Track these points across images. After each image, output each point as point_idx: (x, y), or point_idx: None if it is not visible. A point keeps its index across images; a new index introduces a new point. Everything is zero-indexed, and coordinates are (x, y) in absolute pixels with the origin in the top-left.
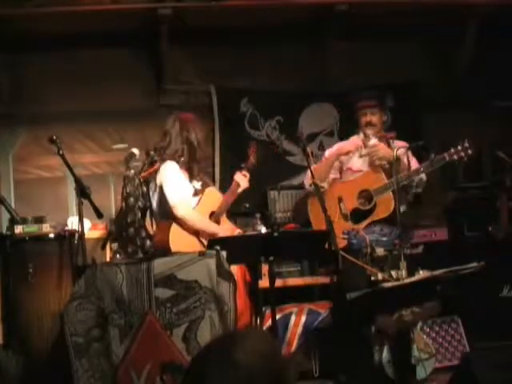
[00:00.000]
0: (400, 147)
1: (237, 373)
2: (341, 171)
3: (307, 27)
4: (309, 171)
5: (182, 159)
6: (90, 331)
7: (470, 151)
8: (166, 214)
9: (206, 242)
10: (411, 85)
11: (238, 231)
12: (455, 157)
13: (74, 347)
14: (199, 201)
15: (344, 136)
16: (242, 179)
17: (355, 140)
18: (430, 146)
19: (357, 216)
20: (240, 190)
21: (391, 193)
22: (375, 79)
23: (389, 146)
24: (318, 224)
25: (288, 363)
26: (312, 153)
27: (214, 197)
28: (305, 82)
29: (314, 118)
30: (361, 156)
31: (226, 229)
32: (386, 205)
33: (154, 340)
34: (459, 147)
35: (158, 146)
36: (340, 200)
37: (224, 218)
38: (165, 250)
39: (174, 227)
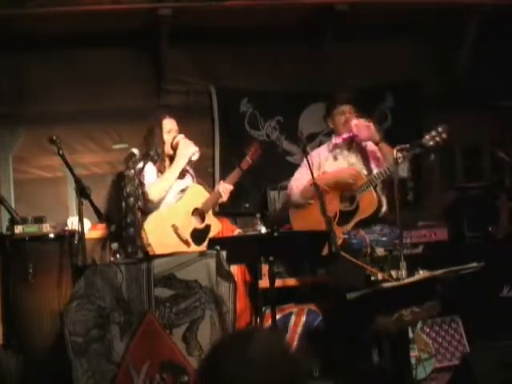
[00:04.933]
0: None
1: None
2: None
3: (307, 27)
4: (294, 180)
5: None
6: (89, 331)
7: (444, 136)
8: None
9: (184, 235)
10: (411, 85)
11: (237, 231)
12: (431, 143)
13: (74, 347)
14: (180, 197)
15: None
16: (225, 191)
17: (323, 150)
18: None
19: (342, 219)
20: (220, 201)
21: (372, 189)
22: (375, 79)
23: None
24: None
25: (301, 362)
26: None
27: (198, 193)
28: (305, 82)
29: (313, 118)
30: (336, 158)
31: (184, 154)
32: (368, 202)
33: (153, 338)
34: (433, 132)
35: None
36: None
37: (210, 214)
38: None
39: (148, 223)
